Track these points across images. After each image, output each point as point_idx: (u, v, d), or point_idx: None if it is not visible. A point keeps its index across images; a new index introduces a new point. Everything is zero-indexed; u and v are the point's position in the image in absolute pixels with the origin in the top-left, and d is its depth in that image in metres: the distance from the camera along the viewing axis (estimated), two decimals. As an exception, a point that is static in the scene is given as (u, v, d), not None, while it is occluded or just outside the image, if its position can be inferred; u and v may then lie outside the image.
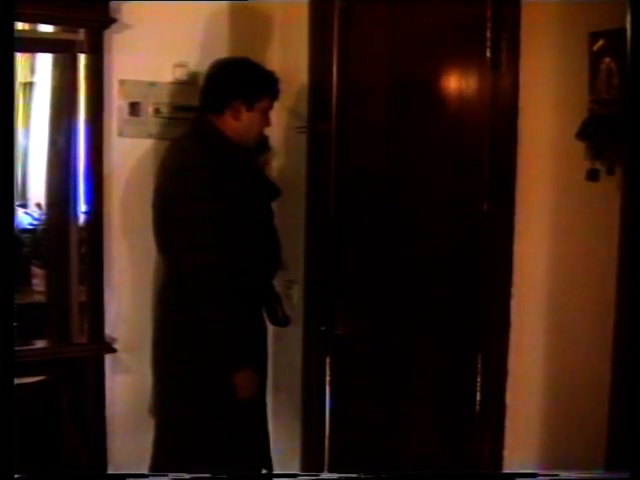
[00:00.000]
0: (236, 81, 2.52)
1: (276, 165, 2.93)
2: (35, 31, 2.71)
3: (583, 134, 2.06)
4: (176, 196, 2.39)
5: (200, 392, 2.44)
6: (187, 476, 1.79)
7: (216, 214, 2.34)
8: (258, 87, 2.52)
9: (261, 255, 2.54)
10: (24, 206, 2.92)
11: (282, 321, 2.69)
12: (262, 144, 2.67)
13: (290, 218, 2.86)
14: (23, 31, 2.64)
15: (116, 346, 2.73)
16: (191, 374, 2.44)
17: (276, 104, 2.86)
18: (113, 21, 2.63)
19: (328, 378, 2.70)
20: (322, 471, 2.70)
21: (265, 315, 2.67)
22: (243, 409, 2.45)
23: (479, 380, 2.46)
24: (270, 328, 2.74)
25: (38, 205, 2.90)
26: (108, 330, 2.74)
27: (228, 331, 2.35)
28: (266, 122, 2.58)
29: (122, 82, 2.72)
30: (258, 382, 2.44)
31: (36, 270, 2.87)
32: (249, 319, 2.48)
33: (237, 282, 2.38)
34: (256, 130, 2.55)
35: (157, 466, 2.56)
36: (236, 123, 2.49)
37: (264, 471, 2.63)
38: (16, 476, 1.63)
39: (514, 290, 2.36)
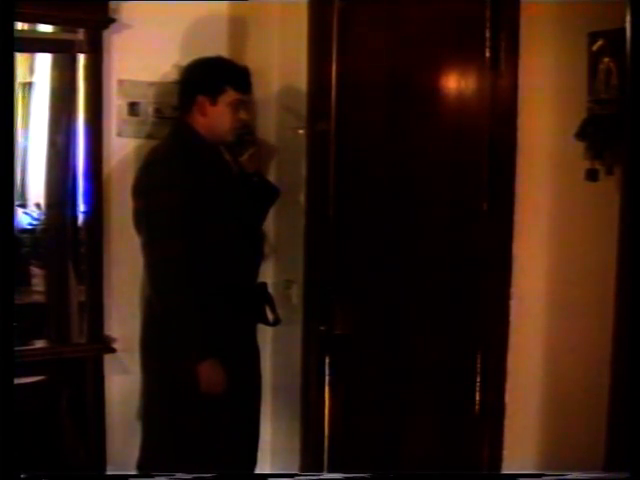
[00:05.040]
0: (196, 77, 2.55)
1: (276, 165, 2.93)
2: (35, 31, 2.71)
3: (582, 134, 2.06)
4: (138, 189, 2.46)
5: (176, 389, 2.45)
6: (188, 476, 1.79)
7: (175, 206, 2.37)
8: (217, 79, 2.52)
9: (233, 251, 2.53)
10: (23, 206, 2.92)
11: (271, 322, 2.69)
12: (244, 140, 2.66)
13: (290, 218, 2.86)
14: (23, 31, 2.64)
15: (115, 346, 2.73)
16: (166, 372, 2.47)
17: (276, 104, 2.87)
18: (112, 21, 2.63)
19: (327, 378, 2.70)
20: (322, 471, 2.70)
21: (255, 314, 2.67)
22: (227, 408, 2.46)
23: (479, 380, 2.47)
24: (270, 327, 2.74)
25: (37, 205, 2.89)
26: (107, 330, 2.74)
27: (185, 322, 2.38)
28: (238, 116, 2.56)
29: (121, 82, 2.72)
30: (223, 376, 2.40)
31: (35, 270, 2.86)
32: (224, 314, 2.46)
33: (203, 276, 2.40)
34: (226, 124, 2.54)
35: (142, 465, 2.58)
36: (203, 119, 2.52)
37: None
38: (16, 476, 1.63)
39: (514, 290, 2.36)
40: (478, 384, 2.47)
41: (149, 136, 2.76)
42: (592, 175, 2.04)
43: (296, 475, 2.55)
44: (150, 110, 2.77)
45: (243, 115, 2.58)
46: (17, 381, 1.76)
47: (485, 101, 2.40)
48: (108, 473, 2.72)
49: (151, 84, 2.76)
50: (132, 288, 2.70)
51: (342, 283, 2.65)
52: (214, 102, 2.51)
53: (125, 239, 2.64)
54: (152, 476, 1.87)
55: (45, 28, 2.73)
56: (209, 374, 2.38)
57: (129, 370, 2.74)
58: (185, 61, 2.62)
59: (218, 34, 2.83)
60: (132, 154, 2.73)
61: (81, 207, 2.72)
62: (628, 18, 1.74)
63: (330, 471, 2.69)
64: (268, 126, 2.90)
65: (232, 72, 2.55)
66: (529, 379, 2.34)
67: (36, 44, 2.75)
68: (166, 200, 2.38)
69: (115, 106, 2.72)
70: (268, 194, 2.74)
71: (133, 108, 2.75)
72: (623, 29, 1.76)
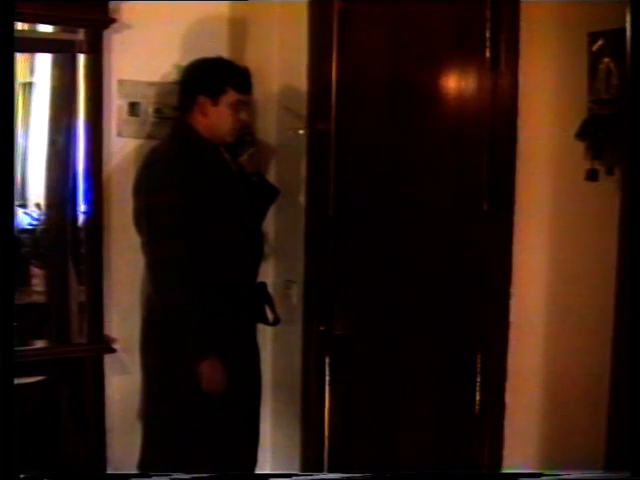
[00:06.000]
0: (196, 77, 2.57)
1: (276, 165, 2.93)
2: (35, 31, 2.71)
3: (582, 134, 2.06)
4: (139, 189, 2.47)
5: (177, 388, 2.46)
6: (187, 476, 1.79)
7: (176, 206, 2.38)
8: (218, 80, 2.53)
9: (233, 251, 2.54)
10: (23, 206, 2.91)
11: (271, 322, 2.69)
12: (244, 140, 2.66)
13: (290, 218, 2.86)
14: (23, 31, 2.64)
15: (115, 346, 2.73)
16: (166, 371, 2.48)
17: (276, 104, 2.87)
18: (112, 21, 2.63)
19: (327, 378, 2.70)
20: (322, 471, 2.70)
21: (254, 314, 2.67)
22: (227, 407, 2.46)
23: (479, 380, 2.47)
24: (270, 327, 2.74)
25: (37, 205, 2.89)
26: (107, 330, 2.74)
27: (185, 321, 2.38)
28: (238, 117, 2.57)
29: (121, 82, 2.72)
30: (224, 375, 2.41)
31: (35, 270, 2.86)
32: (224, 314, 2.47)
33: (204, 275, 2.41)
34: (227, 125, 2.55)
35: (143, 465, 2.59)
36: (204, 119, 2.53)
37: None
38: (16, 476, 1.63)
39: (514, 290, 2.36)
40: (478, 384, 2.47)
41: (149, 136, 2.76)
42: (592, 175, 2.04)
43: (297, 475, 2.55)
44: (150, 110, 2.77)
45: (243, 115, 2.59)
46: (17, 381, 1.76)
47: (485, 101, 2.40)
48: (108, 473, 2.72)
49: (151, 84, 2.76)
50: (132, 288, 2.71)
51: (342, 283, 2.65)
52: (215, 102, 2.52)
53: (125, 239, 2.64)
54: (151, 476, 1.87)
55: (45, 28, 2.73)
56: (209, 373, 2.39)
57: (129, 370, 2.74)
58: (185, 61, 2.62)
59: (218, 34, 2.83)
60: (132, 154, 2.73)
61: (81, 207, 2.72)
62: (628, 18, 1.74)
63: (330, 471, 2.69)
64: (268, 126, 2.91)
65: (233, 73, 2.56)
66: (529, 379, 2.33)
67: (36, 44, 2.75)
68: (166, 199, 2.39)
69: (115, 106, 2.72)
70: (268, 194, 2.75)
71: (133, 108, 2.75)
72: (623, 29, 1.76)
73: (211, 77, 2.55)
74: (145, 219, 2.45)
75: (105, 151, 2.69)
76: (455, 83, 2.53)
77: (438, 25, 2.51)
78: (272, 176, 2.88)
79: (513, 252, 2.35)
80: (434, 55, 2.53)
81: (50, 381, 2.65)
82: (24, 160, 2.92)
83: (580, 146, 2.07)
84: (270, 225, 2.87)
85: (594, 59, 2.04)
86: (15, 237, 2.74)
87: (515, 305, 2.36)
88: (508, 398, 2.39)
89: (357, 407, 2.71)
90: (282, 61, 2.88)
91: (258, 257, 2.68)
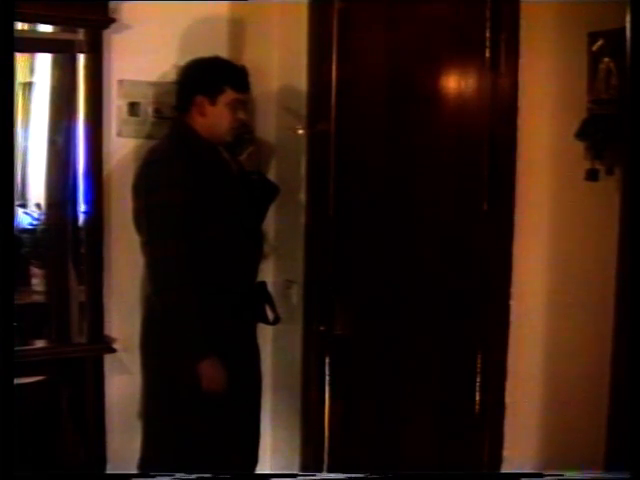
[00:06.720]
0: (194, 77, 2.56)
1: (276, 165, 2.93)
2: (35, 31, 2.71)
3: (582, 134, 2.06)
4: (138, 188, 2.47)
5: (177, 388, 2.46)
6: (190, 476, 1.80)
7: (175, 205, 2.38)
8: (215, 80, 2.53)
9: (233, 250, 2.54)
10: (24, 206, 2.91)
11: (271, 321, 2.70)
12: (243, 139, 2.67)
13: (290, 218, 2.86)
14: (23, 31, 2.63)
15: (116, 346, 2.73)
16: (166, 370, 2.48)
17: (275, 104, 2.87)
18: (112, 21, 2.63)
19: (327, 378, 2.70)
20: (322, 471, 2.70)
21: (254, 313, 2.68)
22: (227, 407, 2.46)
23: (479, 380, 2.47)
24: (270, 327, 2.74)
25: (38, 205, 2.89)
26: (107, 330, 2.74)
27: (185, 321, 2.38)
28: (236, 116, 2.56)
29: (121, 82, 2.71)
30: (224, 375, 2.41)
31: (35, 270, 2.86)
32: (224, 313, 2.47)
33: (203, 274, 2.41)
34: (225, 124, 2.55)
35: (143, 465, 2.59)
36: (202, 119, 2.53)
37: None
38: (16, 476, 1.63)
39: (514, 290, 2.36)
40: (478, 384, 2.47)
41: (149, 136, 2.75)
42: (592, 175, 2.04)
43: (298, 475, 2.55)
44: (150, 110, 2.77)
45: (241, 115, 2.59)
46: (17, 381, 1.76)
47: (485, 101, 2.41)
48: (108, 473, 2.72)
49: (151, 84, 2.75)
50: (132, 288, 2.70)
51: (342, 283, 2.65)
52: (213, 102, 2.52)
53: (125, 239, 2.64)
54: (154, 476, 1.87)
55: (45, 28, 2.73)
56: (209, 373, 2.39)
57: (129, 370, 2.73)
58: (185, 61, 2.62)
59: (218, 34, 2.83)
60: (132, 154, 2.73)
61: (81, 207, 2.72)
62: (628, 18, 1.74)
63: (330, 471, 2.69)
64: (268, 126, 2.90)
65: (230, 72, 2.56)
66: (529, 379, 2.34)
67: (36, 44, 2.75)
68: (166, 199, 2.39)
69: (115, 106, 2.72)
70: (268, 192, 2.75)
71: (133, 108, 2.74)
72: (623, 29, 1.77)
73: (208, 77, 2.54)
74: (144, 219, 2.45)
75: (105, 151, 2.69)
76: (455, 83, 2.53)
77: (438, 25, 2.51)
78: (272, 176, 2.87)
79: (513, 252, 2.36)
80: (434, 55, 2.53)
81: (50, 381, 2.65)
82: (24, 160, 2.92)
83: (580, 146, 2.07)
84: (270, 224, 2.87)
85: (594, 59, 2.04)
86: (15, 237, 2.74)
87: (515, 305, 2.36)
88: (508, 398, 2.39)
89: (357, 407, 2.71)
90: (282, 61, 2.88)
91: (258, 256, 2.69)
